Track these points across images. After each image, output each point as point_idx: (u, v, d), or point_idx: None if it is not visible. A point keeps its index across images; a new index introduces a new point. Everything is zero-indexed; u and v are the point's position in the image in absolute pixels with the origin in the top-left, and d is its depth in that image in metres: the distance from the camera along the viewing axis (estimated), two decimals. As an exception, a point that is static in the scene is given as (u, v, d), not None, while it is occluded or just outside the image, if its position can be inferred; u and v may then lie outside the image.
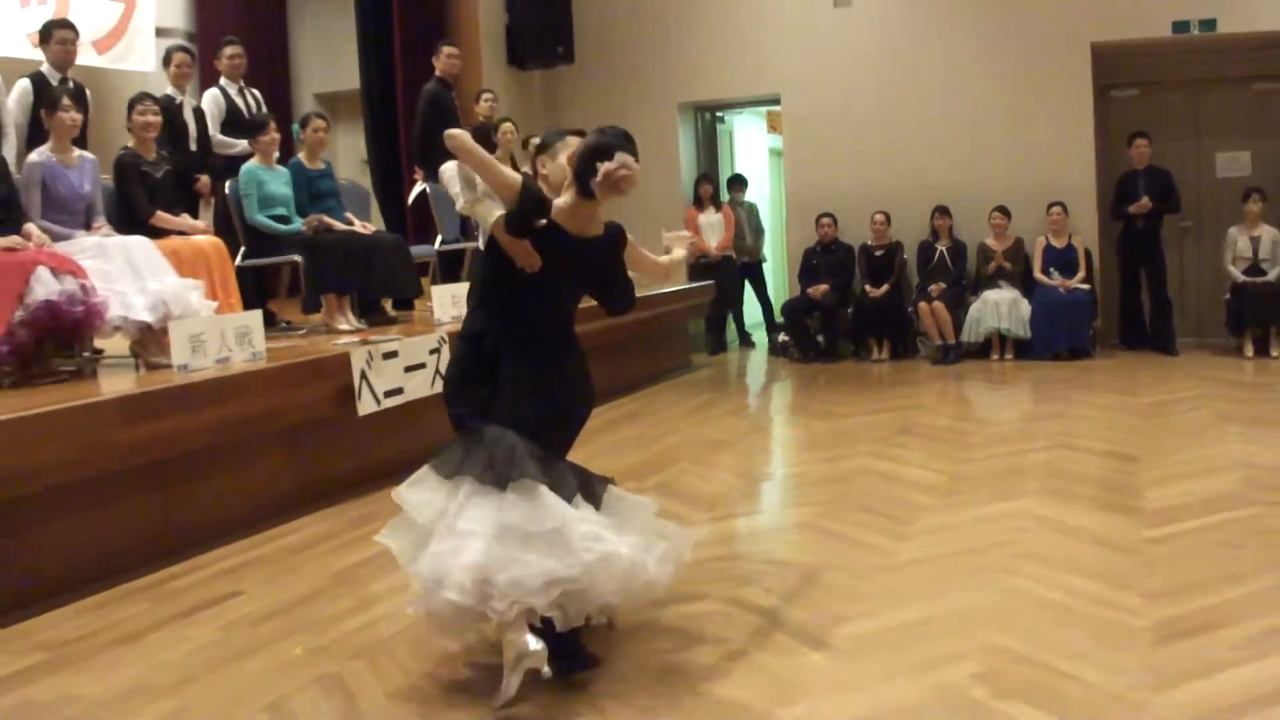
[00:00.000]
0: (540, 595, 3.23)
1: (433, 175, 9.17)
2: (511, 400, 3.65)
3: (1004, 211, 10.70)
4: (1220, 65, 10.87)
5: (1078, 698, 3.29)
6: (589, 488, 3.65)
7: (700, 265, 11.17)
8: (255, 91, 8.25)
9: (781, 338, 11.58)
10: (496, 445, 3.49)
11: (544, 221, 3.58)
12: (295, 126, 8.29)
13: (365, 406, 6.20)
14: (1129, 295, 10.74)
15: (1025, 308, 10.40)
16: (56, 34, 6.92)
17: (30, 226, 5.80)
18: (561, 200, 3.66)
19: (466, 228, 9.13)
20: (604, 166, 3.52)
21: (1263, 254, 10.02)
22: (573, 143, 3.88)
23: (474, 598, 3.25)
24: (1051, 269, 10.49)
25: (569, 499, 3.47)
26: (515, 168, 8.93)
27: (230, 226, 7.43)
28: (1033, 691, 3.33)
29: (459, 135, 3.73)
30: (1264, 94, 10.97)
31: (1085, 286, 10.43)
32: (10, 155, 6.34)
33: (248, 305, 6.73)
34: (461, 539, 3.32)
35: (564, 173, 3.81)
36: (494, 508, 3.36)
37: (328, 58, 12.11)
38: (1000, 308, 10.40)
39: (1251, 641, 3.65)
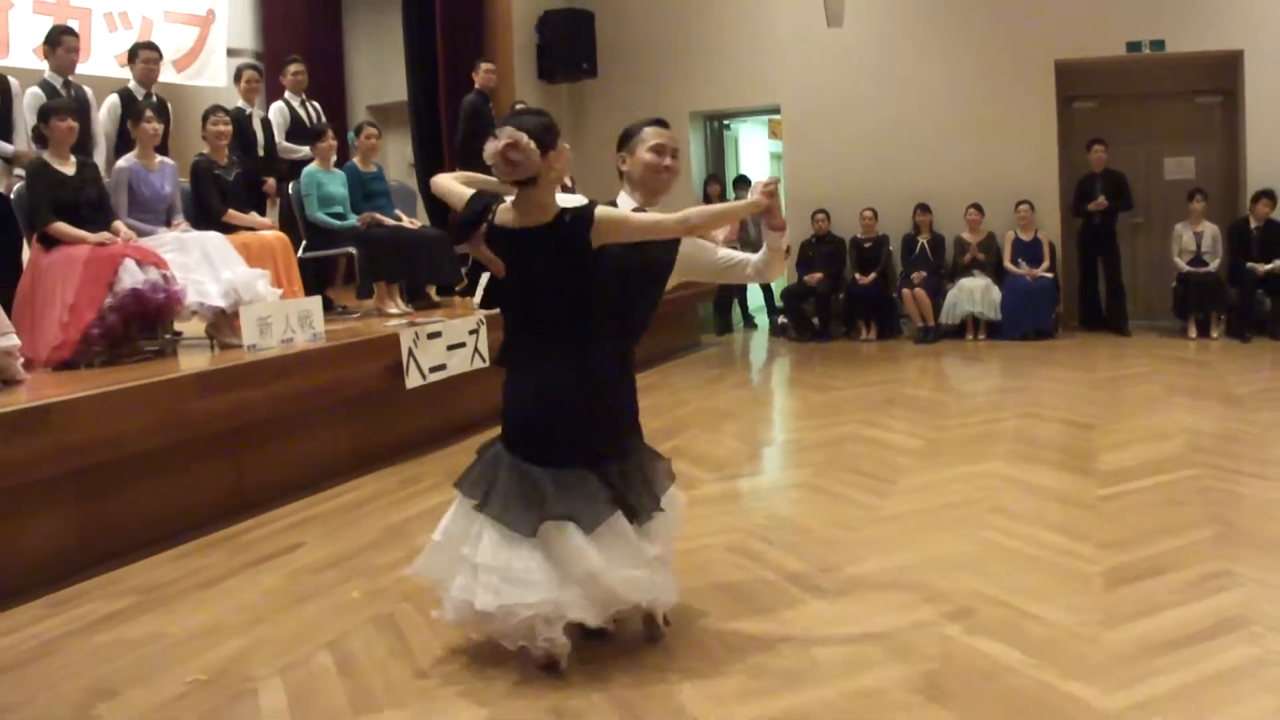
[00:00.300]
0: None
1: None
2: (503, 405, 3.29)
3: (978, 209, 10.66)
4: (1168, 81, 10.80)
5: (1039, 634, 3.31)
6: (599, 506, 3.12)
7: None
8: (315, 103, 8.26)
9: (781, 320, 11.57)
10: (485, 468, 3.23)
11: (483, 226, 3.17)
12: (350, 134, 8.30)
13: (412, 380, 6.22)
14: (1088, 283, 10.70)
15: (996, 294, 10.37)
16: (141, 54, 6.95)
17: (118, 224, 5.83)
18: (510, 198, 3.20)
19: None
20: (486, 147, 3.05)
21: (1205, 247, 10.01)
22: (650, 135, 3.44)
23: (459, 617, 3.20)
24: (1019, 259, 10.45)
25: (532, 529, 3.07)
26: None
27: (293, 223, 7.45)
28: (1000, 629, 3.35)
29: (433, 182, 3.44)
30: (1206, 107, 10.91)
31: (1049, 275, 10.41)
32: (101, 162, 6.37)
33: (308, 292, 6.74)
34: (435, 549, 3.27)
35: (643, 166, 3.42)
36: (461, 529, 3.22)
37: (379, 73, 12.08)
38: (974, 293, 10.39)
39: (1190, 585, 3.67)
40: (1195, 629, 3.29)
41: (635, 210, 3.36)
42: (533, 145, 3.03)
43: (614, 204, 3.44)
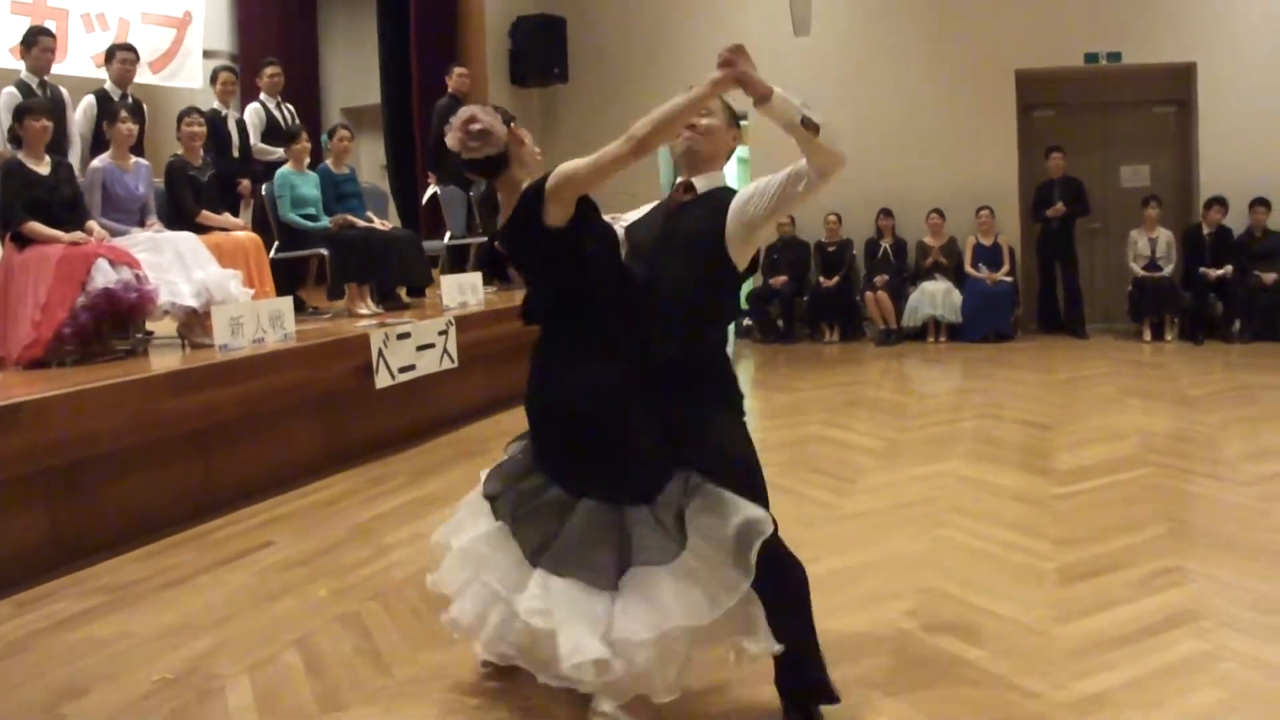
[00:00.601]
0: None
1: (444, 180, 9.15)
2: None
3: (940, 213, 10.69)
4: (1125, 91, 10.88)
5: (995, 629, 3.32)
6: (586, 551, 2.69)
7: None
8: (290, 106, 8.18)
9: (746, 322, 11.56)
10: (506, 467, 2.97)
11: (496, 245, 3.00)
12: (324, 136, 8.23)
13: (382, 380, 6.17)
14: (1046, 286, 10.75)
15: (957, 297, 10.40)
16: (118, 55, 6.87)
17: (92, 224, 5.77)
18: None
19: (472, 224, 9.14)
20: (447, 139, 2.77)
21: (1159, 253, 10.08)
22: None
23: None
24: (980, 263, 10.48)
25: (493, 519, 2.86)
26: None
27: (266, 224, 7.38)
28: (957, 625, 3.36)
29: None
30: (1161, 116, 11.01)
31: (1008, 279, 10.44)
32: (76, 162, 6.29)
33: (280, 293, 6.67)
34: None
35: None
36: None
37: (353, 76, 12.02)
38: (935, 297, 10.41)
39: (1143, 581, 3.69)
40: (1147, 624, 3.31)
41: (680, 181, 2.91)
42: (491, 112, 2.76)
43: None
